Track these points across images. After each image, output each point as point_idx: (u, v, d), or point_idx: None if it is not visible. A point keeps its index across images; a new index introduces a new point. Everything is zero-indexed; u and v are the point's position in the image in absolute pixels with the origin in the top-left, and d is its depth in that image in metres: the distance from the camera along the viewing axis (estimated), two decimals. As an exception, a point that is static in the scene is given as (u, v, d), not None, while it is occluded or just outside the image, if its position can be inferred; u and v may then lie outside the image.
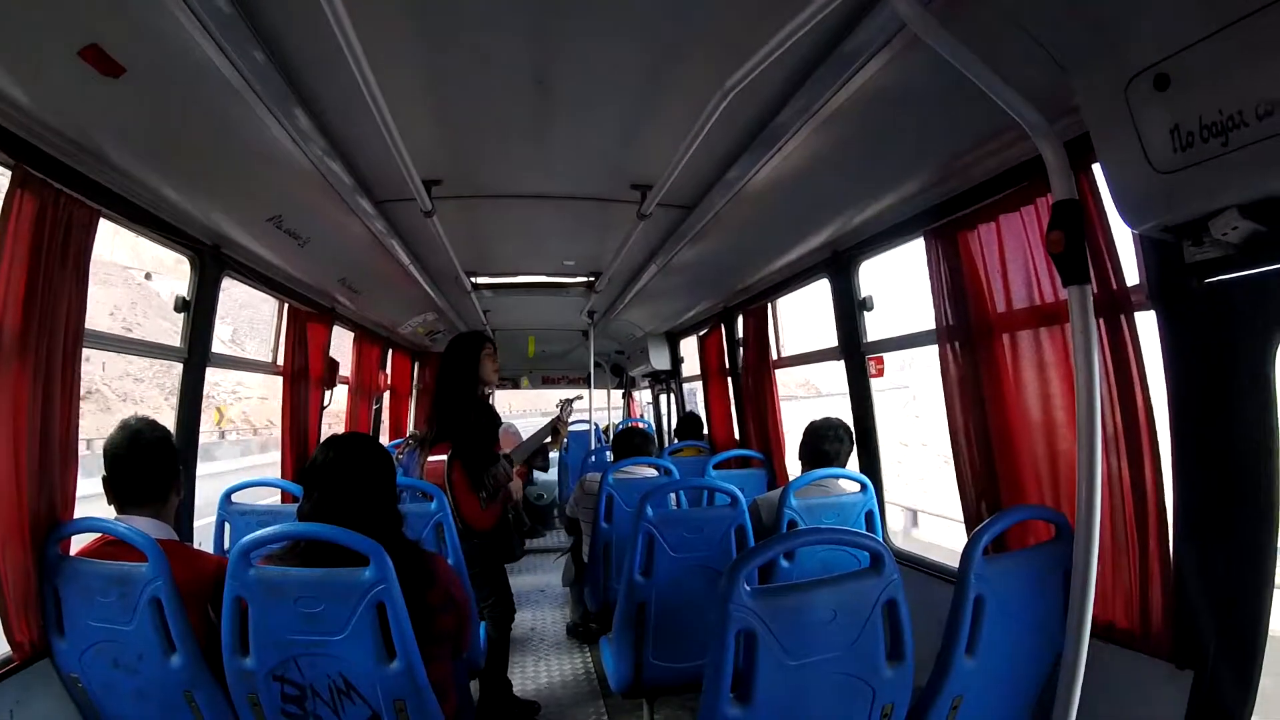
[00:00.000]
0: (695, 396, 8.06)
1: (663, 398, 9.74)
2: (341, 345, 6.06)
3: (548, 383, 11.11)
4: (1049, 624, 2.23)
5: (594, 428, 8.63)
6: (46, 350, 2.44)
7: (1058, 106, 2.08)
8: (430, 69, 2.56)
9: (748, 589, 1.83)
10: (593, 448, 7.73)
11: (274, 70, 2.35)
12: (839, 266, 4.22)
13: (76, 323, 2.59)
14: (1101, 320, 2.27)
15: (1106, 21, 1.83)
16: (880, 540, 2.03)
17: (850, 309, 4.19)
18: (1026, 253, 2.69)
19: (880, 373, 4.06)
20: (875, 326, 4.16)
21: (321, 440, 2.36)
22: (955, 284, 3.05)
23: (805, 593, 1.91)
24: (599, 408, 9.33)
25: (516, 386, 11.18)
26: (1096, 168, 2.25)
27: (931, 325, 3.28)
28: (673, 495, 4.44)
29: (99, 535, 2.45)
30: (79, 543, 2.51)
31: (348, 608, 2.02)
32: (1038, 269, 2.66)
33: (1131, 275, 2.30)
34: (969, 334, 3.00)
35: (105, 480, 2.51)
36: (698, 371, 7.50)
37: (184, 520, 3.22)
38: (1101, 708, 2.24)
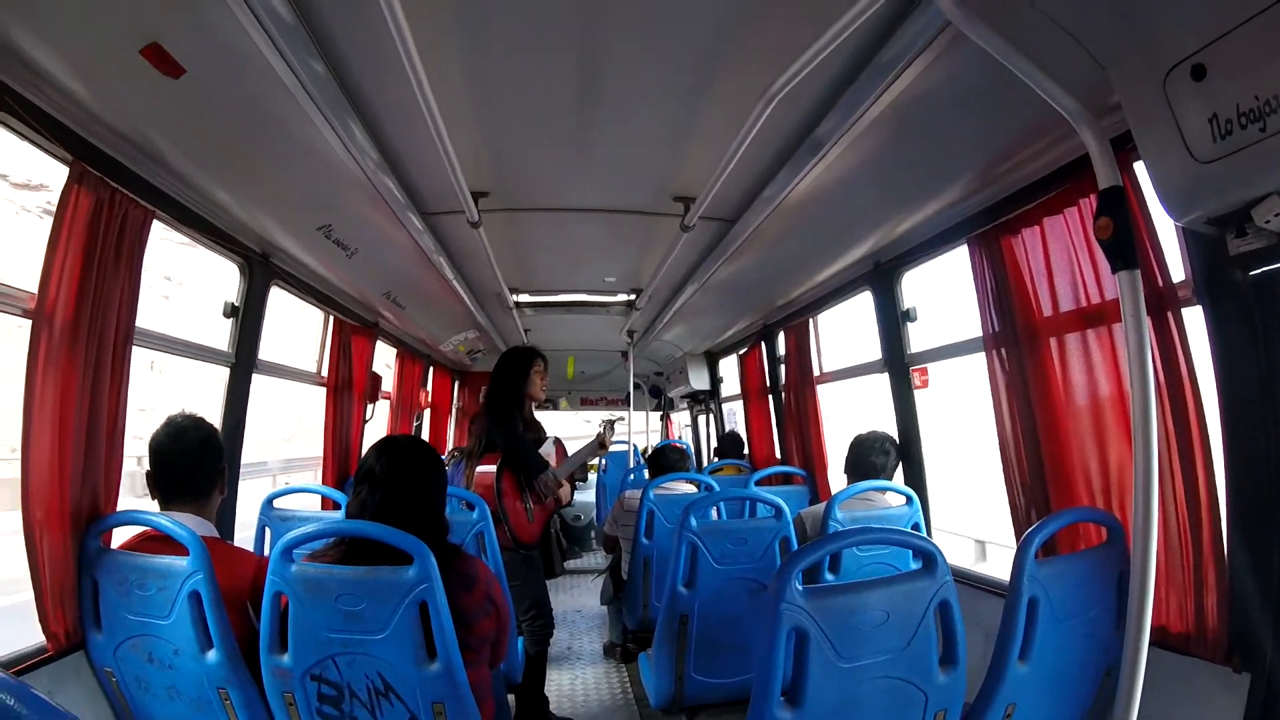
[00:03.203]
0: (735, 417, 8.03)
1: (701, 418, 9.70)
2: (383, 361, 6.10)
3: (586, 404, 11.10)
4: (1101, 630, 2.19)
5: (633, 448, 8.61)
6: (97, 345, 2.47)
7: (1098, 104, 2.06)
8: (480, 80, 2.58)
9: (799, 588, 1.79)
10: (630, 466, 7.69)
11: (331, 79, 2.38)
12: (881, 278, 4.20)
13: (127, 321, 2.63)
14: (1150, 318, 2.22)
15: (1142, 15, 1.83)
16: (931, 541, 1.98)
17: (893, 321, 4.17)
18: (1071, 254, 2.66)
19: (925, 384, 4.01)
20: (918, 338, 4.12)
21: (367, 448, 2.36)
22: (1000, 289, 3.03)
23: (857, 593, 1.87)
24: (638, 430, 9.32)
25: (555, 408, 11.18)
26: (1138, 167, 2.25)
27: (975, 333, 3.25)
28: (713, 511, 4.40)
29: (140, 531, 2.46)
30: (120, 539, 2.52)
31: (389, 607, 2.00)
32: (1083, 270, 2.63)
33: (1177, 273, 2.28)
34: (1015, 339, 2.96)
35: (149, 475, 2.53)
36: (736, 391, 7.46)
37: (225, 524, 3.23)
38: (1158, 715, 2.17)
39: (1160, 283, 2.28)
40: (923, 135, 2.74)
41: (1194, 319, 2.22)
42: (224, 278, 3.75)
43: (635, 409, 8.89)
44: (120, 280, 2.57)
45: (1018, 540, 2.17)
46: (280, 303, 4.05)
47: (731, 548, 3.21)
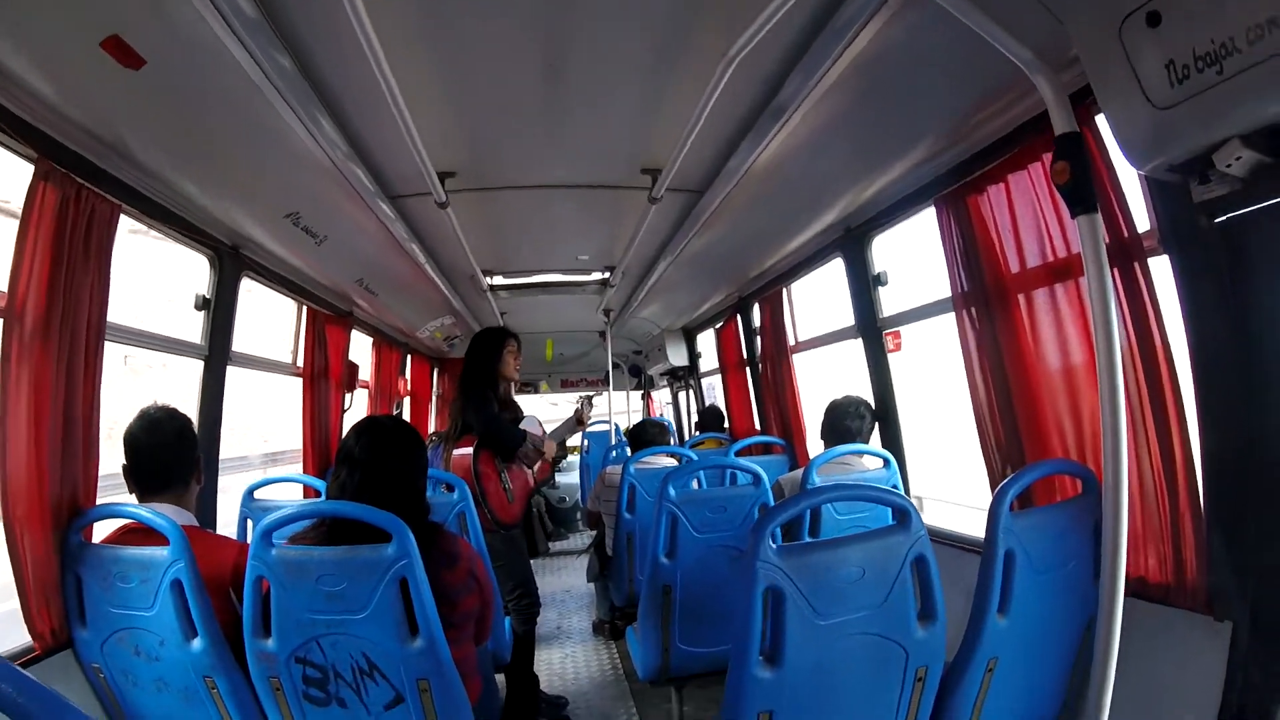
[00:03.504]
0: (714, 391, 8.05)
1: (681, 395, 9.72)
2: (360, 352, 6.08)
3: (567, 386, 11.10)
4: (1080, 583, 2.20)
5: (614, 427, 8.63)
6: (70, 342, 2.47)
7: (1056, 58, 2.07)
8: (442, 58, 2.58)
9: (774, 546, 1.81)
10: (612, 443, 7.72)
11: (290, 62, 2.37)
12: (852, 244, 4.21)
13: (99, 316, 2.62)
14: (1116, 269, 2.25)
15: None
16: (905, 497, 2.00)
17: (865, 286, 4.19)
18: (1037, 210, 2.69)
19: (898, 347, 4.04)
20: (890, 303, 4.15)
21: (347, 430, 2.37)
22: (968, 249, 3.05)
23: (832, 550, 1.88)
24: (619, 411, 9.33)
25: (536, 391, 11.16)
26: (1100, 122, 2.28)
27: (945, 294, 3.28)
28: (694, 482, 4.42)
29: (121, 525, 2.45)
30: (102, 535, 2.52)
31: (370, 585, 2.00)
32: (1049, 225, 2.66)
33: (1142, 224, 2.30)
34: (985, 297, 2.99)
35: (125, 469, 2.52)
36: (715, 366, 7.50)
37: (206, 518, 3.22)
38: (1139, 667, 2.21)
39: (1126, 234, 2.30)
40: (885, 96, 2.75)
41: (1161, 269, 2.24)
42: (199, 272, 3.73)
43: (615, 389, 8.89)
44: (90, 276, 2.56)
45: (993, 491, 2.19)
46: (260, 300, 4.03)
47: (711, 516, 3.23)
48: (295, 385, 5.02)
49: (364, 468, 2.25)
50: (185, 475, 2.58)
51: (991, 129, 2.79)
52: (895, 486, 3.73)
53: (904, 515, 1.94)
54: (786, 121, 2.91)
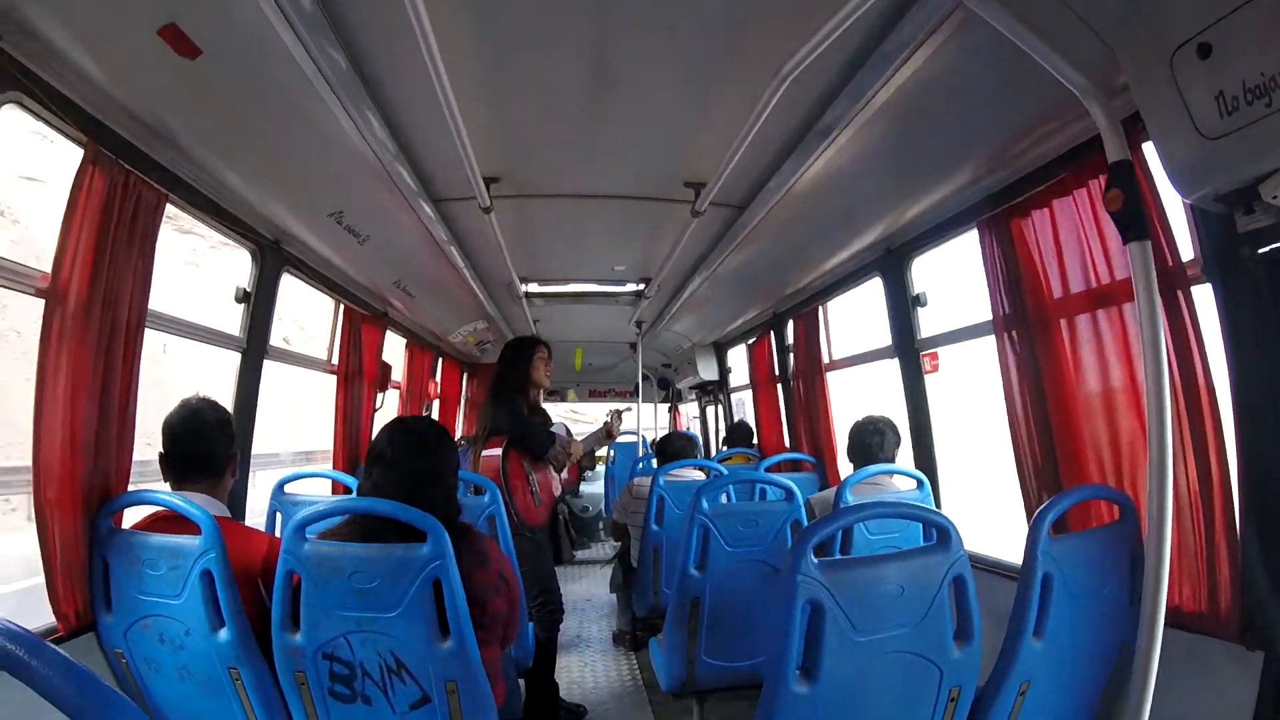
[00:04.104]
0: (743, 407, 8.03)
1: (709, 410, 9.70)
2: (393, 353, 6.12)
3: (595, 396, 11.11)
4: (1115, 609, 2.18)
5: (641, 439, 8.62)
6: (110, 327, 2.49)
7: (1106, 85, 2.07)
8: (493, 64, 2.60)
9: (815, 561, 1.79)
10: (639, 456, 7.70)
11: (346, 62, 2.39)
12: (891, 264, 4.19)
13: (140, 302, 2.64)
14: (1159, 296, 2.23)
15: None
16: (945, 516, 1.98)
17: (904, 306, 4.16)
18: (1081, 235, 2.67)
19: (935, 369, 4.01)
20: (927, 324, 4.13)
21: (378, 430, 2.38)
22: (1010, 272, 3.04)
23: (873, 566, 1.88)
24: (647, 427, 9.32)
25: (564, 400, 11.17)
26: (1147, 149, 2.27)
27: (985, 317, 3.27)
28: (723, 496, 4.40)
29: (151, 513, 2.46)
30: (131, 521, 2.54)
31: (402, 584, 2.00)
32: (1093, 252, 2.64)
33: (1187, 253, 2.28)
34: (1026, 321, 2.97)
35: (161, 456, 2.53)
36: (745, 381, 7.47)
37: (236, 511, 3.24)
38: (1171, 694, 2.17)
39: (1170, 262, 2.29)
40: (932, 119, 2.75)
41: (1205, 298, 2.22)
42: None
43: (644, 401, 8.88)
44: (133, 262, 2.58)
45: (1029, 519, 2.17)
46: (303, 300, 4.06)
47: (743, 530, 3.20)
48: (327, 383, 5.07)
49: (396, 467, 2.24)
50: (220, 466, 2.59)
51: (1036, 155, 2.79)
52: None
53: (945, 534, 1.92)
54: (832, 142, 2.91)
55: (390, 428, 2.36)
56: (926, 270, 4.12)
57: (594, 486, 10.29)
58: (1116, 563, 2.19)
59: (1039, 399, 2.94)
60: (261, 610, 2.20)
